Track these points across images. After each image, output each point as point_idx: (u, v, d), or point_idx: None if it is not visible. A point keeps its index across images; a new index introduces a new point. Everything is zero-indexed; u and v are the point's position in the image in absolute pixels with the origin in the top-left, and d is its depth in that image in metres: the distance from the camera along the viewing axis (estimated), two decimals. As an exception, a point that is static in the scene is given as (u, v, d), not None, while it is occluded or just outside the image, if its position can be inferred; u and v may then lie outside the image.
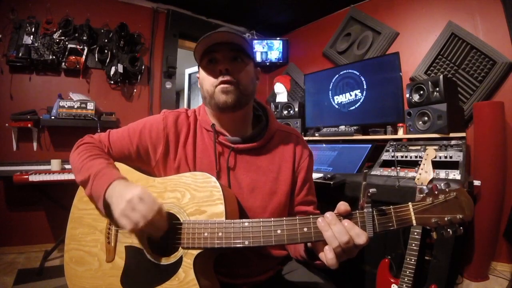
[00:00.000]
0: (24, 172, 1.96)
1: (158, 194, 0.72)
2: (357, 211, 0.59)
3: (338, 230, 0.56)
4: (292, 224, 0.60)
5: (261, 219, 0.63)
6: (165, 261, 0.67)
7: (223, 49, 0.76)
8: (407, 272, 1.27)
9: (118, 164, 0.82)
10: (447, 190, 0.57)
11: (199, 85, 0.84)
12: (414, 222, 0.57)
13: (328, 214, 0.58)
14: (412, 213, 0.57)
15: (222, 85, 0.75)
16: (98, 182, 0.71)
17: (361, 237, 0.55)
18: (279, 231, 0.61)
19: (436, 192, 0.57)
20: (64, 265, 0.78)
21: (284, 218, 0.61)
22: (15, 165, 2.15)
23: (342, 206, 0.59)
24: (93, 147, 0.82)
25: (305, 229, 0.60)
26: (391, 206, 0.58)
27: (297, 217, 0.61)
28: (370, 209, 0.57)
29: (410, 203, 0.58)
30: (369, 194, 0.57)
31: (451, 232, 0.56)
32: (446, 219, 0.56)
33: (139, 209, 0.62)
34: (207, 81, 0.78)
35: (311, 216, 0.60)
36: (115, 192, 0.67)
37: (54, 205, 2.20)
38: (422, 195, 0.58)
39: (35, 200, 2.38)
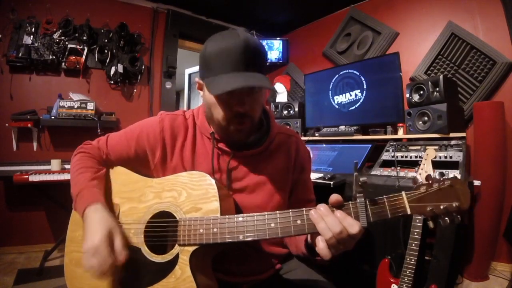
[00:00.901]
0: (24, 172, 1.96)
1: (156, 194, 0.73)
2: (349, 202, 0.59)
3: (330, 221, 0.56)
4: (285, 217, 0.61)
5: (255, 214, 0.63)
6: (161, 258, 0.68)
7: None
8: (407, 272, 1.27)
9: (117, 168, 0.83)
10: (441, 179, 0.57)
11: (205, 101, 0.76)
12: (408, 210, 0.57)
13: (320, 206, 0.59)
14: (406, 202, 0.57)
15: (237, 126, 0.72)
16: (78, 205, 0.73)
17: (354, 227, 0.55)
18: (272, 225, 0.61)
19: (430, 182, 0.58)
20: (64, 266, 0.78)
21: (278, 211, 0.62)
22: (15, 165, 2.15)
23: (334, 197, 0.59)
24: (88, 157, 0.83)
25: (299, 222, 0.60)
26: (384, 196, 0.58)
27: (290, 210, 0.61)
28: (363, 199, 0.58)
29: (403, 192, 0.58)
30: (360, 183, 0.57)
31: (448, 220, 0.56)
32: (441, 207, 0.55)
33: (93, 260, 0.64)
34: (219, 112, 0.71)
35: (304, 208, 0.61)
36: (85, 225, 0.69)
37: (54, 205, 2.20)
38: (415, 185, 0.59)
39: (35, 200, 2.38)
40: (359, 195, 0.58)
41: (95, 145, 0.86)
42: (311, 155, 0.96)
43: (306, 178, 0.89)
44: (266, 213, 0.62)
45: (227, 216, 0.65)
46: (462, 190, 0.56)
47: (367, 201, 0.58)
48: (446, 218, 0.56)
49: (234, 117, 0.71)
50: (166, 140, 0.80)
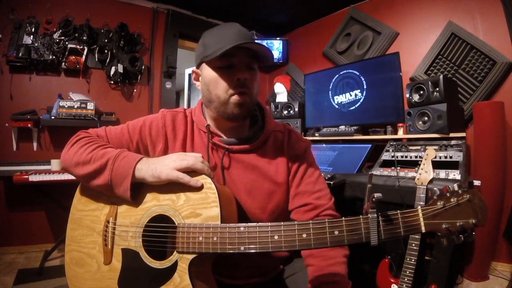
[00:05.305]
0: (24, 172, 1.96)
1: (153, 196, 0.71)
2: (360, 216, 0.55)
3: None
4: (290, 229, 0.57)
5: (257, 224, 0.60)
6: (160, 265, 0.66)
7: (241, 55, 0.73)
8: (407, 272, 1.27)
9: None
10: (460, 192, 0.52)
11: (203, 85, 0.79)
12: (423, 228, 0.53)
13: None
14: (421, 219, 0.53)
15: (238, 97, 0.73)
16: (122, 162, 0.69)
17: None
18: (276, 237, 0.58)
19: (448, 194, 0.53)
20: (65, 265, 0.78)
21: (282, 222, 0.58)
22: (15, 165, 2.15)
23: None
24: (96, 140, 0.78)
25: (304, 235, 0.57)
26: (398, 211, 0.54)
27: (296, 222, 0.58)
28: (375, 215, 0.54)
29: (419, 207, 0.54)
30: (374, 199, 0.53)
31: (462, 238, 0.51)
32: (458, 224, 0.51)
33: (189, 155, 0.69)
34: (221, 86, 0.74)
35: (310, 221, 0.58)
36: (150, 163, 0.69)
37: (54, 205, 2.20)
38: (434, 197, 0.54)
39: (35, 200, 2.38)
40: (372, 210, 0.54)
41: (92, 133, 0.82)
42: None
43: (305, 168, 0.84)
44: (269, 223, 0.59)
45: (228, 224, 0.62)
46: (480, 204, 0.51)
47: (379, 217, 0.54)
48: (461, 235, 0.51)
49: (236, 86, 0.73)
50: (168, 134, 0.81)
